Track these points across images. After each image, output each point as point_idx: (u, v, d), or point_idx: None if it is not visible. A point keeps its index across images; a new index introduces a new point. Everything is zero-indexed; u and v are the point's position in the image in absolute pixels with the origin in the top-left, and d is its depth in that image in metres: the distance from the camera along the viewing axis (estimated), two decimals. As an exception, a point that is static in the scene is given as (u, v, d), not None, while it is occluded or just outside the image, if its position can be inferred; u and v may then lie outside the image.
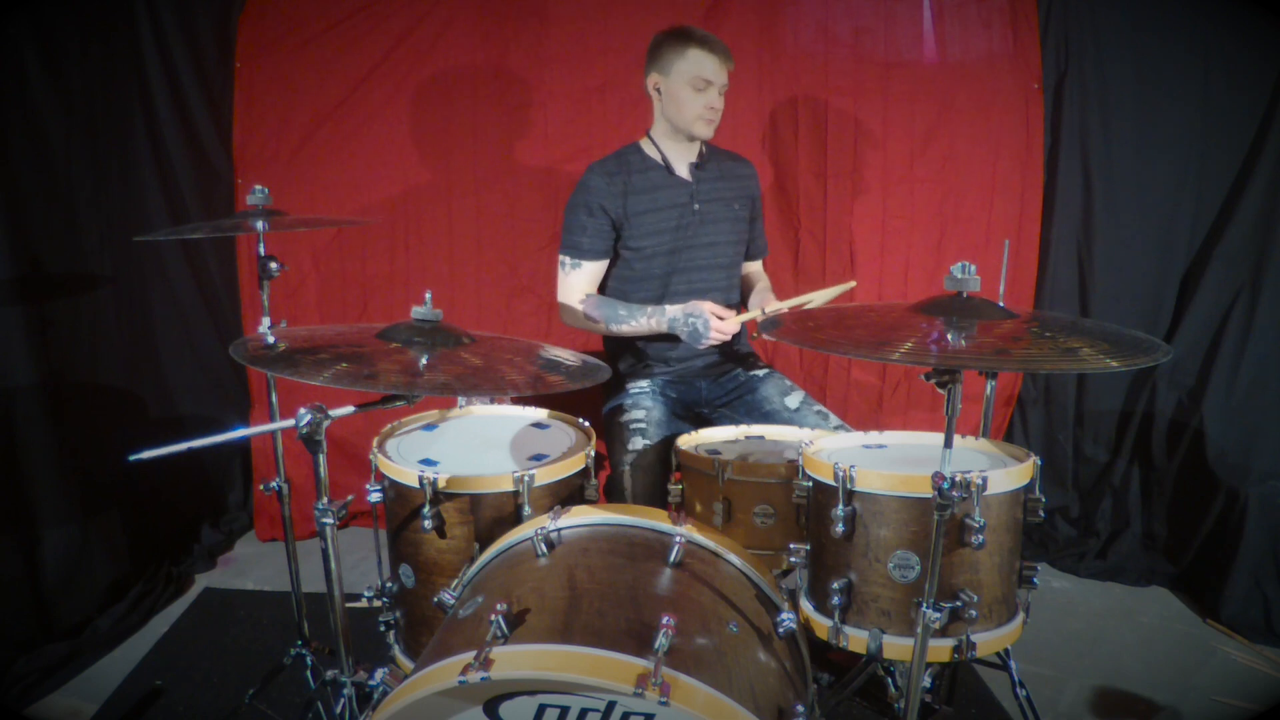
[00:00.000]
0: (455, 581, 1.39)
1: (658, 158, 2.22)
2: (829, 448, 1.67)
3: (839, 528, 1.43)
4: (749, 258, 2.43)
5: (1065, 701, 2.08)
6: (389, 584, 1.61)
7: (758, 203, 2.40)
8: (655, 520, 1.38)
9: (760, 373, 2.29)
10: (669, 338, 2.20)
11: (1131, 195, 2.76)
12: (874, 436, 1.74)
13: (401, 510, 1.55)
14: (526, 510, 1.49)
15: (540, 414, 1.88)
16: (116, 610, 2.32)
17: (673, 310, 2.10)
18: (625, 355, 2.30)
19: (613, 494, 2.03)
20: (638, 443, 1.99)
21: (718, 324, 2.02)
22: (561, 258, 2.20)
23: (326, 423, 1.26)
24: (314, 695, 1.81)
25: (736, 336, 2.34)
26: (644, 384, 2.24)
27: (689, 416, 2.25)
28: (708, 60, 2.08)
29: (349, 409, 1.30)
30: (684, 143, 2.22)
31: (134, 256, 2.58)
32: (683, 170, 2.23)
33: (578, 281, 2.19)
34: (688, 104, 2.11)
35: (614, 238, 2.19)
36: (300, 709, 1.85)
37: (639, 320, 2.13)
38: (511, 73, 2.81)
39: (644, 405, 2.13)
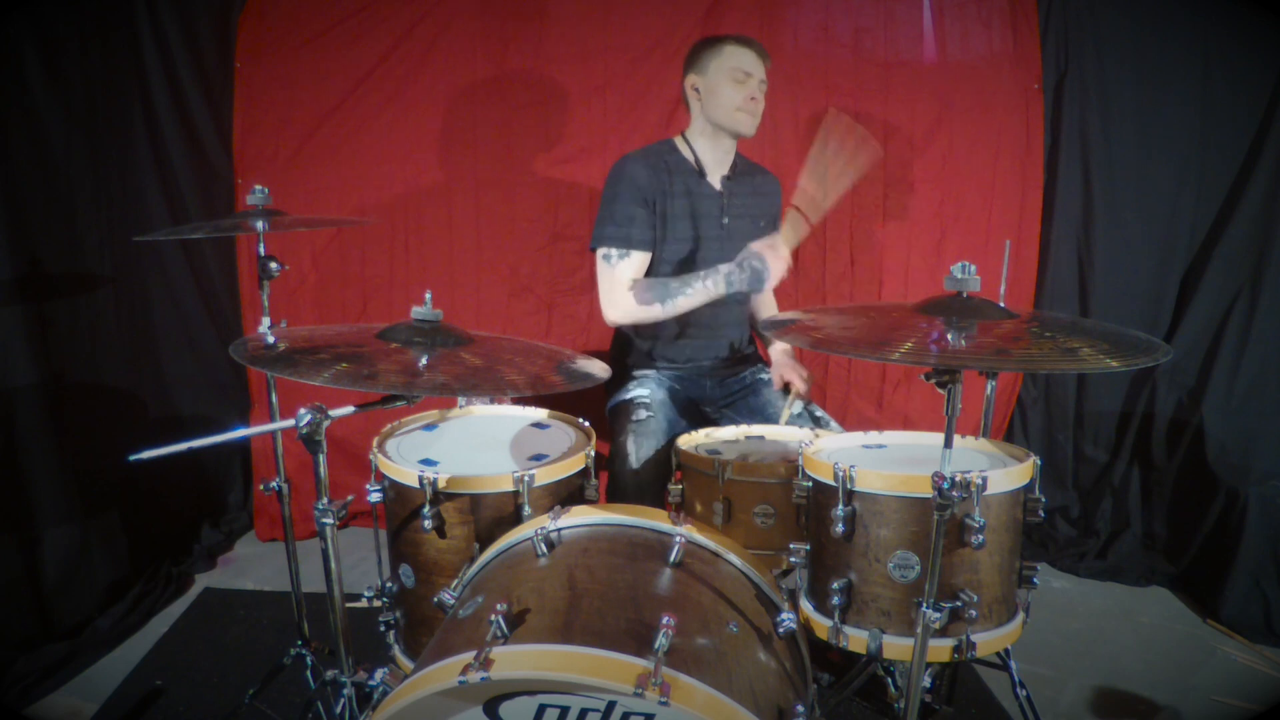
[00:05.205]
0: (455, 581, 1.39)
1: (691, 160, 2.18)
2: (829, 448, 1.67)
3: (839, 528, 1.43)
4: None
5: (1065, 701, 2.08)
6: (389, 584, 1.61)
7: (780, 220, 2.37)
8: (655, 520, 1.38)
9: (765, 376, 2.28)
10: (677, 338, 2.19)
11: (1131, 195, 2.76)
12: (874, 436, 1.74)
13: (401, 510, 1.55)
14: (526, 510, 1.49)
15: (540, 414, 1.88)
16: (116, 610, 2.32)
17: (725, 267, 2.03)
18: (632, 351, 2.28)
19: (616, 490, 2.02)
20: (643, 439, 1.99)
21: (773, 254, 1.97)
22: (606, 251, 2.09)
23: (326, 423, 1.26)
24: (314, 695, 1.81)
25: (744, 339, 2.33)
26: (650, 377, 2.22)
27: (694, 414, 2.23)
28: (745, 53, 2.08)
29: (349, 409, 1.30)
30: (723, 144, 2.18)
31: (134, 256, 2.58)
32: (715, 179, 2.20)
33: (626, 272, 2.08)
34: (729, 96, 2.08)
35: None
36: (300, 709, 1.84)
37: (694, 288, 2.04)
38: (511, 72, 2.81)
39: (650, 401, 2.12)
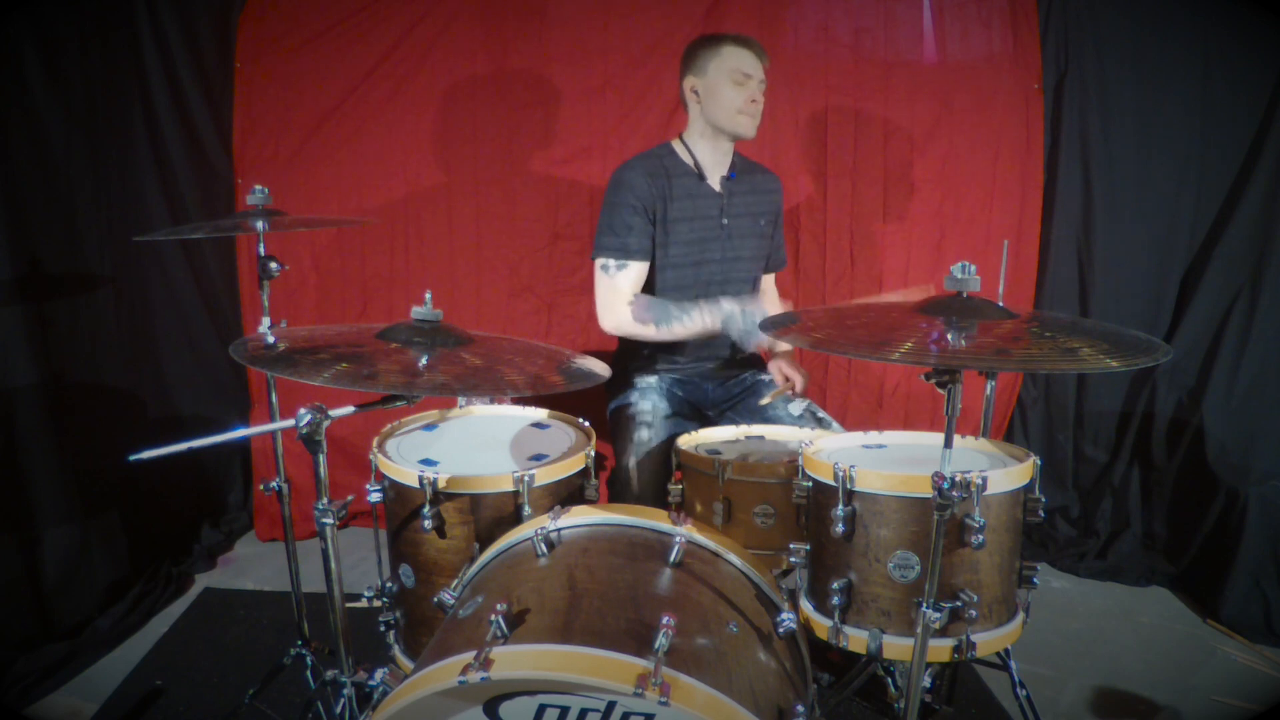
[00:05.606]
0: (455, 581, 1.39)
1: (690, 163, 2.17)
2: (829, 448, 1.67)
3: (839, 528, 1.43)
4: (765, 271, 2.39)
5: (1065, 701, 2.08)
6: (389, 584, 1.61)
7: (780, 217, 2.37)
8: (655, 520, 1.38)
9: (765, 377, 2.28)
10: (679, 344, 2.20)
11: (1131, 195, 2.76)
12: (874, 436, 1.74)
13: (401, 510, 1.55)
14: (526, 510, 1.49)
15: (540, 414, 1.88)
16: (116, 610, 2.32)
17: (728, 305, 2.03)
18: (634, 354, 2.27)
19: (617, 491, 2.02)
20: (643, 440, 1.99)
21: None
22: (604, 261, 2.09)
23: (326, 423, 1.26)
24: (314, 695, 1.81)
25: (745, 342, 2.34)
26: (651, 380, 2.22)
27: (694, 416, 2.23)
28: (744, 54, 2.07)
29: (349, 409, 1.30)
30: (723, 145, 2.17)
31: (134, 256, 2.59)
32: (714, 180, 2.19)
33: (625, 283, 2.08)
34: (729, 98, 2.07)
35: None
36: (300, 709, 1.85)
37: (693, 317, 2.05)
38: (511, 72, 2.81)
39: (650, 402, 2.12)
